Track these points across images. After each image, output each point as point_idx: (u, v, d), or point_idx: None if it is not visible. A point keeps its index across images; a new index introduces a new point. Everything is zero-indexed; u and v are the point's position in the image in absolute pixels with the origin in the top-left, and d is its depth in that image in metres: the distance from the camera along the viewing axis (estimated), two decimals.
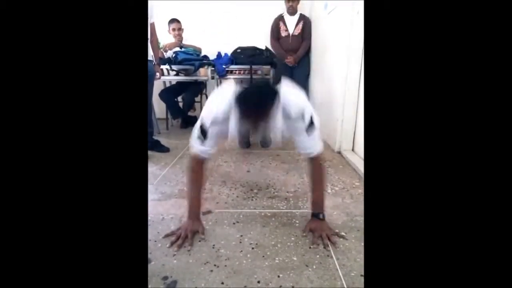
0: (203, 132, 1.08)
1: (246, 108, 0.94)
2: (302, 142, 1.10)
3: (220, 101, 1.04)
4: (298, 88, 1.14)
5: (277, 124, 0.97)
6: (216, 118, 1.03)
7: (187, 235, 1.08)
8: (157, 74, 2.26)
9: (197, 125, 1.11)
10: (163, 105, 2.94)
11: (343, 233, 1.13)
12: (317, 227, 1.11)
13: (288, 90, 1.05)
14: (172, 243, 1.06)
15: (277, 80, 1.05)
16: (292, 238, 1.10)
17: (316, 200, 1.16)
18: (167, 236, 1.11)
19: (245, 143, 2.22)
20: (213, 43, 3.04)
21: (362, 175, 1.68)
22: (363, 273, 0.91)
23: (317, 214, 1.14)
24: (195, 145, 1.11)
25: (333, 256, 1.00)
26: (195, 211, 1.15)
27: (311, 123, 1.06)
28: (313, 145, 1.10)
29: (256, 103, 0.94)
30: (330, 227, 1.13)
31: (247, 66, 2.68)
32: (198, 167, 1.15)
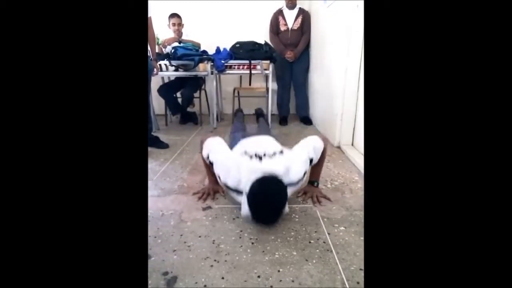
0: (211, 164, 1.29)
1: (260, 222, 1.13)
2: (313, 163, 1.30)
3: (233, 178, 1.17)
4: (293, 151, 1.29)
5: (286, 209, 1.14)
6: (225, 184, 1.22)
7: (210, 193, 1.41)
8: (155, 69, 2.25)
9: (207, 157, 1.30)
10: (162, 101, 2.92)
11: (329, 197, 1.38)
12: (310, 190, 1.40)
13: (291, 166, 1.18)
14: (199, 198, 1.38)
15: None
16: (292, 233, 1.11)
17: (314, 172, 1.41)
18: (194, 194, 1.44)
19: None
20: (212, 38, 3.01)
21: (362, 170, 1.68)
22: (362, 267, 0.92)
23: (313, 182, 1.42)
24: (204, 156, 1.33)
25: (333, 250, 1.00)
26: (213, 179, 1.43)
27: (310, 160, 1.25)
28: (317, 156, 1.29)
29: (267, 223, 1.13)
30: (321, 192, 1.41)
31: (246, 61, 2.66)
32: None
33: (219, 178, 1.25)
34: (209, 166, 1.35)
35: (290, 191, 1.15)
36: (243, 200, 1.10)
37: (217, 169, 1.25)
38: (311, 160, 1.25)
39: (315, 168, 1.39)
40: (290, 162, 1.19)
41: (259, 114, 2.59)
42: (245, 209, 1.09)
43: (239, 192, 1.16)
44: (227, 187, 1.22)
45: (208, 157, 1.30)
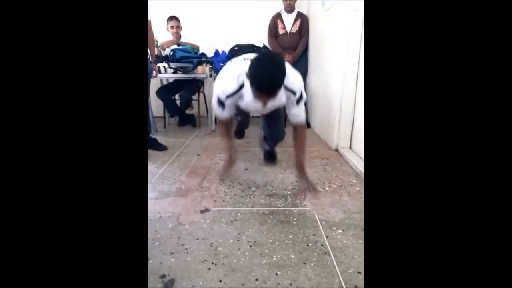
0: (221, 103, 1.35)
1: (260, 92, 1.14)
2: (292, 111, 1.38)
3: (231, 81, 1.29)
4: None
5: (282, 98, 1.29)
6: (229, 94, 1.30)
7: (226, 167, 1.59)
8: (154, 72, 2.25)
9: (214, 99, 1.37)
10: (160, 103, 2.92)
11: (320, 189, 1.49)
12: (301, 185, 1.51)
13: (288, 68, 1.24)
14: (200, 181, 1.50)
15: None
16: (290, 236, 1.11)
17: (298, 165, 1.50)
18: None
19: (239, 132, 2.43)
20: (211, 40, 3.02)
21: (360, 173, 1.68)
22: (360, 270, 0.92)
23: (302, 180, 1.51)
24: (219, 113, 1.42)
25: (331, 254, 1.00)
26: (232, 157, 1.61)
27: (301, 96, 1.34)
28: (300, 113, 1.39)
29: (269, 87, 1.12)
30: (311, 182, 1.50)
31: None
32: (227, 125, 1.54)
33: (224, 100, 1.31)
34: (230, 121, 1.50)
35: (286, 94, 1.28)
36: (245, 88, 1.23)
37: (221, 93, 1.31)
38: (301, 97, 1.33)
39: (297, 157, 1.49)
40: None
41: None
42: (247, 95, 1.24)
43: (240, 89, 1.27)
44: (228, 96, 1.30)
45: (217, 101, 1.35)
